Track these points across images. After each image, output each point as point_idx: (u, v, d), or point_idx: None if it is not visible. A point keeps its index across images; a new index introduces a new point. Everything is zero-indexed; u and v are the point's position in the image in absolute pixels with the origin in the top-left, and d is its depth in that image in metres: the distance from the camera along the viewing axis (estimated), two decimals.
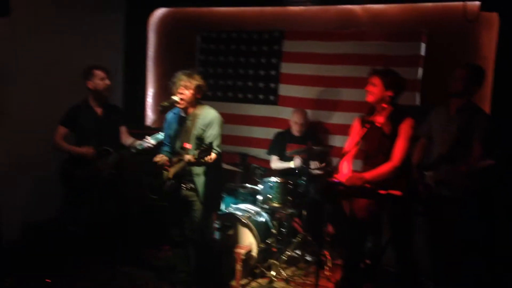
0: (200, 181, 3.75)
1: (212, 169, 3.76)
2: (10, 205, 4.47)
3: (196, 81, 3.69)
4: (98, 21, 5.57)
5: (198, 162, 3.46)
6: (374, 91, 3.46)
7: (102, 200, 4.23)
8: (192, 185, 3.77)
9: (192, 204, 3.80)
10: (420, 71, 4.89)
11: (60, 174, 4.20)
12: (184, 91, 3.66)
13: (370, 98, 3.48)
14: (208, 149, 3.40)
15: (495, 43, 4.59)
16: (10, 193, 4.56)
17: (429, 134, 3.78)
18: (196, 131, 3.72)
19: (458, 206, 3.44)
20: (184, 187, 3.78)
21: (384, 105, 3.44)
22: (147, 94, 6.18)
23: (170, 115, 3.92)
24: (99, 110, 4.30)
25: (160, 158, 3.80)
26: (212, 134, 3.70)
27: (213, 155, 3.48)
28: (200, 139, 3.70)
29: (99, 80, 4.20)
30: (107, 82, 4.23)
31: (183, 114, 3.81)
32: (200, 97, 3.79)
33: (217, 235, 4.34)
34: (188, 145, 3.71)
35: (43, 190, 4.77)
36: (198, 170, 3.73)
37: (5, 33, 4.37)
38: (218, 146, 3.68)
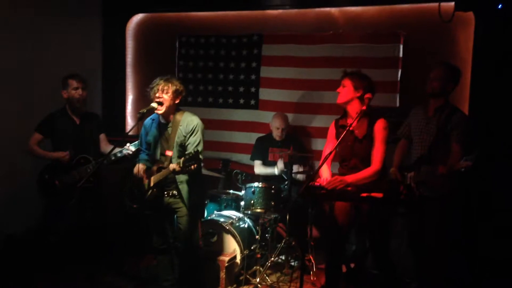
0: (184, 188, 3.69)
1: (195, 176, 3.72)
2: None
3: (174, 86, 3.63)
4: (76, 28, 5.51)
5: (183, 170, 3.42)
6: (344, 92, 3.50)
7: (81, 209, 4.18)
8: (175, 192, 3.71)
9: (176, 212, 3.75)
10: (398, 73, 4.92)
11: (38, 183, 4.13)
12: (162, 95, 3.60)
13: (340, 100, 3.53)
14: (194, 156, 3.36)
15: (471, 43, 4.65)
16: None
17: (408, 135, 3.80)
18: (178, 138, 3.66)
19: (438, 206, 3.46)
20: (166, 194, 3.72)
21: (356, 107, 3.46)
22: (126, 101, 6.10)
23: (148, 122, 3.86)
24: (76, 119, 4.25)
25: (138, 169, 3.75)
26: (195, 141, 3.65)
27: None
28: (182, 146, 3.66)
29: (73, 89, 4.15)
30: (81, 92, 4.17)
31: (162, 121, 3.75)
32: (179, 103, 3.74)
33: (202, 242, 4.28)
34: (169, 153, 3.66)
35: (21, 199, 4.67)
36: (182, 177, 3.68)
37: None
38: (200, 153, 3.63)
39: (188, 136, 3.65)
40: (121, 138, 4.67)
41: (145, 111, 3.58)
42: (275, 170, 4.88)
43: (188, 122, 3.68)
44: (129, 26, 6.01)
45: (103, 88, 6.04)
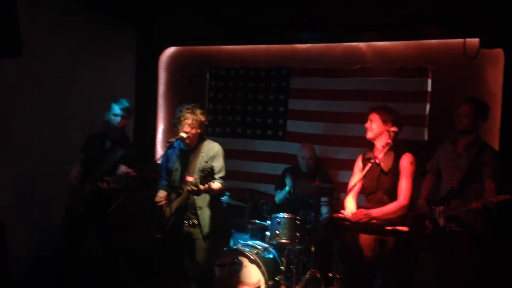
0: (203, 214, 3.74)
1: (214, 201, 3.77)
2: (17, 238, 4.49)
3: (199, 118, 3.74)
4: (111, 60, 5.72)
5: (199, 189, 3.48)
6: (372, 127, 3.51)
7: (104, 235, 4.21)
8: (195, 221, 3.75)
9: (194, 242, 3.79)
10: (427, 107, 4.91)
11: (65, 209, 4.20)
12: (190, 129, 3.70)
13: (369, 135, 3.54)
14: (209, 173, 3.42)
15: (501, 78, 4.62)
16: (17, 227, 4.58)
17: (437, 170, 3.77)
18: (199, 164, 3.74)
19: (468, 241, 3.40)
20: (186, 223, 3.76)
21: (383, 141, 3.47)
22: (157, 130, 6.26)
23: (169, 150, 3.93)
24: (108, 142, 4.28)
25: (159, 197, 3.82)
26: (217, 166, 3.73)
27: (217, 184, 3.49)
28: (204, 171, 3.68)
29: (113, 115, 4.22)
30: (119, 119, 4.18)
31: (184, 148, 3.83)
32: (205, 132, 3.84)
33: (217, 272, 4.27)
34: (190, 178, 3.73)
35: (48, 223, 4.75)
36: (201, 203, 3.72)
37: (19, 72, 4.50)
38: (222, 178, 3.71)
39: (210, 162, 3.73)
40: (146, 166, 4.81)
41: (174, 140, 3.69)
42: (287, 187, 4.90)
43: (209, 149, 3.79)
44: (162, 59, 6.22)
45: (135, 118, 6.18)
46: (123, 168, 3.96)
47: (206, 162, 3.74)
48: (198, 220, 3.74)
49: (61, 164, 4.34)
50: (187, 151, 3.83)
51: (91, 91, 5.29)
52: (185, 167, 3.80)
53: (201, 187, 3.47)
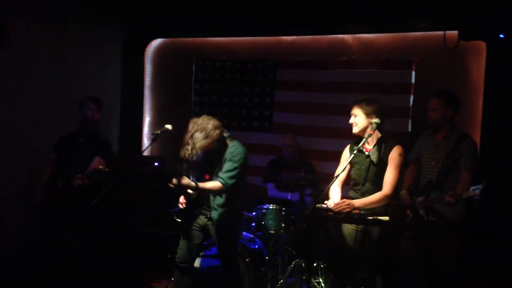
0: (215, 216, 3.58)
1: (231, 204, 3.57)
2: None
3: (206, 138, 3.40)
4: (96, 52, 5.69)
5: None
6: (357, 122, 3.54)
7: (82, 231, 4.14)
8: (208, 222, 3.62)
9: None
10: (411, 99, 4.96)
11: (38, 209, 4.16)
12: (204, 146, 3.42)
13: (355, 130, 3.57)
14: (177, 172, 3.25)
15: (483, 70, 4.69)
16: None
17: (418, 160, 3.80)
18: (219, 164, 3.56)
19: (447, 233, 3.44)
20: (205, 217, 3.62)
21: (371, 132, 3.49)
22: (143, 123, 6.25)
23: None
24: (80, 140, 4.23)
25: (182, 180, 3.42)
26: (227, 167, 3.48)
27: (185, 181, 3.32)
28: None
29: (87, 110, 4.18)
30: (94, 113, 4.18)
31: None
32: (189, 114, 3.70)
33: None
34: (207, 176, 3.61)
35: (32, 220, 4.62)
36: (213, 203, 3.57)
37: (3, 64, 4.45)
38: (228, 179, 3.45)
39: (225, 160, 3.52)
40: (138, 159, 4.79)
41: (159, 132, 3.68)
42: (288, 196, 4.92)
43: (230, 150, 3.55)
44: (148, 51, 6.20)
45: (121, 110, 6.20)
46: (95, 163, 3.88)
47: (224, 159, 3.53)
48: (211, 220, 3.60)
49: (43, 157, 4.29)
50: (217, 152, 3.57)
51: (76, 84, 5.25)
52: (209, 166, 3.60)
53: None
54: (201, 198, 3.67)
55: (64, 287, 4.25)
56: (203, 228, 3.71)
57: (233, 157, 3.48)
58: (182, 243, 3.77)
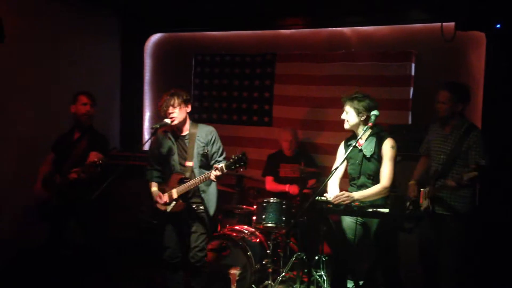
0: (208, 196, 3.79)
1: (213, 183, 3.80)
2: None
3: (180, 97, 3.71)
4: (96, 46, 5.69)
5: (222, 175, 3.48)
6: (348, 118, 3.55)
7: (83, 225, 4.17)
8: (201, 206, 3.80)
9: (191, 227, 3.81)
10: (411, 91, 4.96)
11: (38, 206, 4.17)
12: (173, 110, 3.68)
13: (346, 126, 3.60)
14: (241, 158, 3.38)
15: (483, 61, 4.67)
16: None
17: (428, 151, 3.79)
18: (197, 148, 3.74)
19: (453, 223, 3.45)
20: (195, 207, 3.79)
21: (370, 125, 3.50)
22: (144, 117, 6.26)
23: (160, 135, 3.88)
24: (76, 135, 4.24)
25: (160, 197, 3.77)
26: (219, 148, 3.81)
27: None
28: (204, 156, 3.75)
29: (81, 105, 4.18)
30: (88, 108, 4.18)
31: (178, 133, 3.81)
32: (191, 111, 3.82)
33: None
34: (189, 163, 3.73)
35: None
36: (204, 186, 3.74)
37: (0, 59, 4.45)
38: (224, 158, 3.78)
39: (208, 146, 3.76)
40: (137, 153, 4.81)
41: (158, 126, 3.69)
42: (286, 188, 4.93)
43: (206, 133, 3.80)
44: (147, 45, 6.20)
45: (121, 105, 6.21)
46: (91, 157, 3.88)
47: (204, 146, 3.76)
48: (203, 203, 3.76)
49: (43, 153, 4.30)
50: (182, 136, 3.82)
51: (76, 79, 5.24)
52: (182, 152, 3.79)
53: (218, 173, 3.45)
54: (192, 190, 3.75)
55: (66, 281, 4.27)
56: (192, 217, 3.80)
57: (217, 138, 3.85)
58: (168, 241, 3.85)
